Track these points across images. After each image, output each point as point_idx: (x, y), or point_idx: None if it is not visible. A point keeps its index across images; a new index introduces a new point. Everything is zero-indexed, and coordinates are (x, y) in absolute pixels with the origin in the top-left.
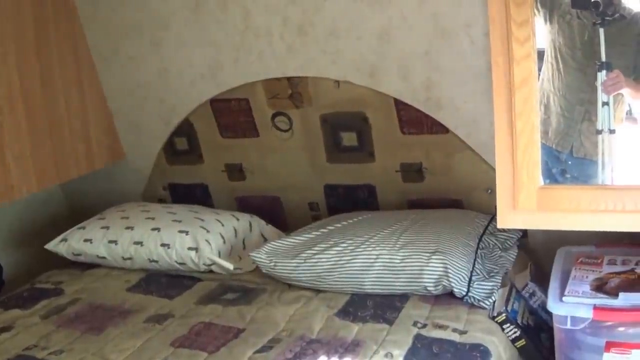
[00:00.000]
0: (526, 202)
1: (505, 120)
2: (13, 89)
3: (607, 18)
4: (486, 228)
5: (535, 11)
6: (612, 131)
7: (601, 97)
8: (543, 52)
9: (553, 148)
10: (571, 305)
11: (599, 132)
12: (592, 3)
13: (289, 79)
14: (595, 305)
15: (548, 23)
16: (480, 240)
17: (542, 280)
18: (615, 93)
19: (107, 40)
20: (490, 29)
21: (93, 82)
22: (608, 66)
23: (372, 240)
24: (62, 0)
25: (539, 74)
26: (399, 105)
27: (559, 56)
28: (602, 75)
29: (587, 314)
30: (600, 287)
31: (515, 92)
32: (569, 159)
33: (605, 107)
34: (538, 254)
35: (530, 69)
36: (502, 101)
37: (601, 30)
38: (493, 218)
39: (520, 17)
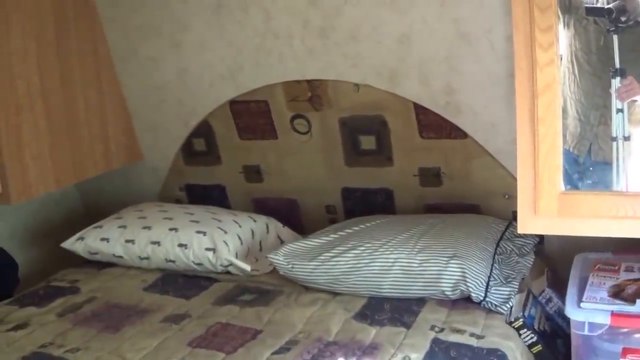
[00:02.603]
0: (547, 208)
1: (527, 126)
2: (33, 88)
3: (621, 25)
4: (503, 234)
5: None
6: (627, 138)
7: (615, 103)
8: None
9: (569, 151)
10: (589, 311)
11: (614, 139)
12: (605, 10)
13: (308, 81)
14: (612, 311)
15: (565, 28)
16: (497, 245)
17: (558, 287)
18: (630, 100)
19: (127, 41)
20: (514, 35)
21: (112, 82)
22: (622, 73)
23: (390, 244)
24: (83, 0)
25: None
26: (419, 109)
27: (574, 60)
28: (616, 82)
29: (605, 320)
30: (617, 293)
31: (538, 97)
32: (588, 163)
33: (620, 113)
34: (554, 261)
35: (554, 74)
36: (525, 106)
37: (615, 37)
38: (510, 224)
39: (544, 23)
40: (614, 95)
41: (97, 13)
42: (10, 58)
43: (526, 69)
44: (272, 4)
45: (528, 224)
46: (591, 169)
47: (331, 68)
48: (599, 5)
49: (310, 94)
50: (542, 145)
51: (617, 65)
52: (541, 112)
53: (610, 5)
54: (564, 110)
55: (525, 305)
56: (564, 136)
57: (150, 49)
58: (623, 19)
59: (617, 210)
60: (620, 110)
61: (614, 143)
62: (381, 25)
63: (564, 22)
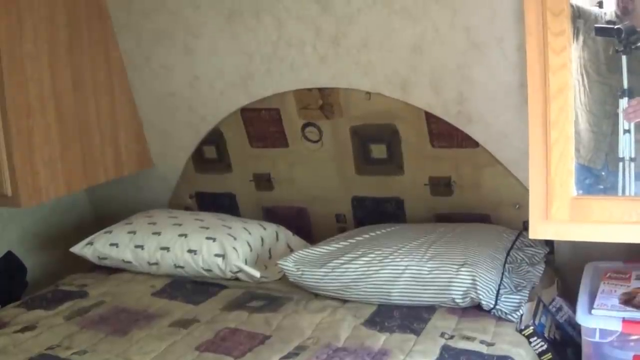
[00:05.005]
0: (559, 213)
1: (540, 130)
2: (45, 91)
3: (630, 45)
4: (514, 243)
5: None
6: (633, 159)
7: (622, 124)
8: None
9: (585, 165)
10: (600, 318)
11: (621, 159)
12: (615, 30)
13: (320, 89)
14: (624, 318)
15: (574, 40)
16: (508, 254)
17: (568, 297)
18: (637, 121)
19: (139, 47)
20: (527, 39)
21: (123, 88)
22: (630, 93)
23: (400, 252)
24: (96, 5)
25: None
26: (430, 118)
27: (584, 72)
28: (623, 103)
29: (616, 326)
30: (629, 301)
31: (551, 101)
32: (606, 174)
33: (627, 134)
34: (564, 271)
35: (566, 78)
36: (537, 110)
37: (624, 58)
38: (521, 233)
39: (557, 28)
40: (621, 116)
41: (110, 19)
42: (23, 60)
43: (539, 73)
44: (285, 12)
45: (539, 229)
46: (607, 177)
47: (343, 76)
48: (608, 25)
49: (322, 102)
50: (554, 150)
51: (625, 85)
52: (554, 116)
53: (620, 26)
54: (576, 124)
55: (535, 314)
56: (578, 150)
57: (162, 55)
58: (632, 39)
59: (630, 216)
60: (627, 131)
61: (620, 164)
62: (393, 34)
63: (572, 33)
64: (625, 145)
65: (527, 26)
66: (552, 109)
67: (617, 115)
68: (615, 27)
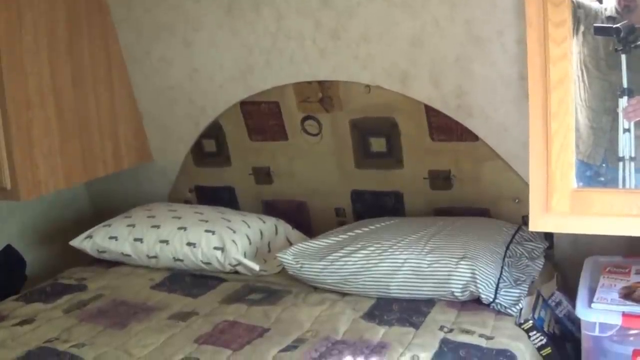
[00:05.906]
0: (559, 205)
1: (540, 121)
2: (44, 84)
3: (629, 44)
4: (513, 237)
5: None
6: (633, 158)
7: (622, 123)
8: None
9: (585, 162)
10: (600, 312)
11: (620, 159)
12: (614, 29)
13: (319, 82)
14: (624, 312)
15: (575, 33)
16: (507, 248)
17: (567, 292)
18: (637, 120)
19: (139, 41)
20: (527, 30)
21: (123, 82)
22: (629, 92)
23: (399, 245)
24: None
25: None
26: (430, 111)
27: (583, 67)
28: (623, 102)
29: (616, 320)
30: (628, 295)
31: (551, 92)
32: (606, 170)
33: (627, 133)
34: (564, 266)
35: (567, 69)
36: (538, 102)
37: (623, 57)
38: (520, 227)
39: (558, 18)
40: (620, 115)
41: (109, 12)
42: (22, 54)
43: (539, 64)
44: (284, 5)
45: (539, 222)
46: (607, 173)
47: (342, 69)
48: (607, 25)
49: (321, 95)
50: (554, 141)
51: (625, 84)
52: (554, 108)
53: (619, 25)
54: (575, 119)
55: (534, 308)
56: (577, 146)
57: (161, 49)
58: (631, 38)
59: (630, 209)
60: (627, 130)
61: (620, 163)
62: (393, 27)
63: (573, 24)
64: (625, 144)
65: (527, 17)
66: (553, 100)
67: (616, 111)
68: (614, 26)
